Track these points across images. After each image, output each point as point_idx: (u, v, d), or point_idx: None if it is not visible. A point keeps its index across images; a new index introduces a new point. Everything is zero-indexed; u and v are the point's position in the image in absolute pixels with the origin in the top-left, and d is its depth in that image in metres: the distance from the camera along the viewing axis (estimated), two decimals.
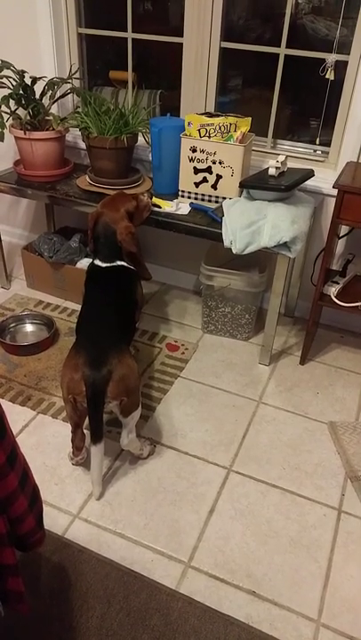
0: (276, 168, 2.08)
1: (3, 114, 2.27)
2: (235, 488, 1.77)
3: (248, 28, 2.33)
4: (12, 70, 2.32)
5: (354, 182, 1.92)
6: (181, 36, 2.33)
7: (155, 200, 2.23)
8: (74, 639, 1.34)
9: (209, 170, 2.20)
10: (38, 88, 2.39)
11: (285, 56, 2.23)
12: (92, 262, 1.92)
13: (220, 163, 2.16)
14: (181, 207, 2.25)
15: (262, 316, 2.48)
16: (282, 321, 2.64)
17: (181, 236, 2.27)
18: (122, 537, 1.60)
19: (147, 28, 2.43)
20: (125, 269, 1.91)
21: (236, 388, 2.20)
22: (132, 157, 2.41)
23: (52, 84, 2.41)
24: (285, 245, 2.00)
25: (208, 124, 2.17)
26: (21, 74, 2.34)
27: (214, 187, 2.23)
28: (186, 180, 2.26)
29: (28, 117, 2.36)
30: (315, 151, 2.40)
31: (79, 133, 2.42)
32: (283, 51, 2.22)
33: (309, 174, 2.10)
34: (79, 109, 2.42)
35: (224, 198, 2.23)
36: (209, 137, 2.19)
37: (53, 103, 2.46)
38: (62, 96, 2.49)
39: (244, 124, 2.18)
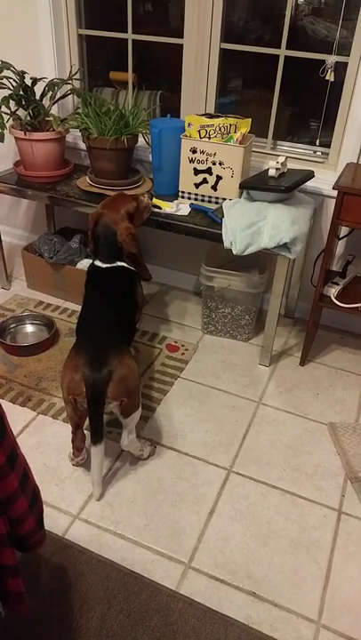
0: (277, 169, 2.08)
1: (3, 114, 2.28)
2: (235, 489, 1.77)
3: (248, 29, 2.34)
4: (12, 71, 2.32)
5: (354, 183, 1.93)
6: (181, 37, 2.33)
7: (155, 201, 2.24)
8: None
9: (209, 171, 2.20)
10: (38, 89, 2.39)
11: (285, 57, 2.24)
12: (93, 263, 1.92)
13: (220, 164, 2.16)
14: (181, 208, 2.26)
15: (262, 316, 2.48)
16: (282, 322, 2.64)
17: (181, 237, 2.27)
18: (122, 538, 1.60)
19: (147, 29, 2.43)
20: (126, 270, 1.91)
21: (237, 389, 2.20)
22: (133, 158, 2.41)
23: (52, 85, 2.41)
24: (285, 246, 2.00)
25: (208, 125, 2.18)
26: (22, 75, 2.34)
27: (214, 188, 2.23)
28: (186, 180, 2.26)
29: (29, 118, 2.36)
30: (315, 152, 2.40)
31: (79, 134, 2.42)
32: (283, 52, 2.23)
33: (309, 175, 2.10)
34: (79, 110, 2.43)
35: (224, 199, 2.23)
36: (209, 138, 2.19)
37: (54, 104, 2.46)
38: (62, 97, 2.49)
39: (245, 125, 2.19)
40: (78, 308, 2.24)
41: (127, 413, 1.63)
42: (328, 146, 2.32)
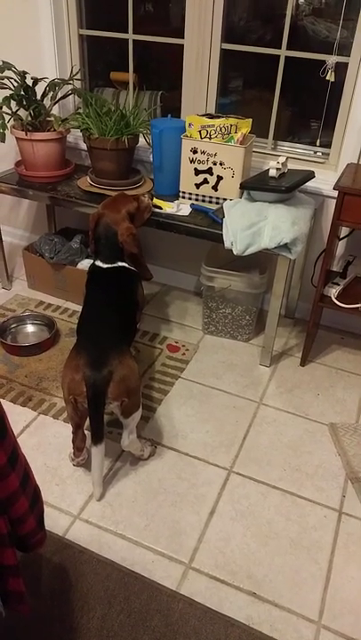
0: (277, 169, 2.08)
1: (4, 115, 2.28)
2: (235, 489, 1.77)
3: (249, 29, 2.34)
4: (13, 71, 2.32)
5: (354, 184, 1.93)
6: (182, 37, 2.33)
7: (155, 201, 2.24)
8: None
9: (210, 171, 2.20)
10: (39, 89, 2.39)
11: (286, 57, 2.24)
12: (93, 263, 1.92)
13: (220, 164, 2.16)
14: (182, 208, 2.26)
15: (263, 317, 2.48)
16: (282, 322, 2.64)
17: (182, 238, 2.27)
18: (122, 538, 1.60)
19: (148, 30, 2.43)
20: (126, 270, 1.91)
21: (237, 390, 2.20)
22: (133, 158, 2.41)
23: (53, 85, 2.41)
24: (286, 247, 2.00)
25: (209, 126, 2.18)
26: (23, 75, 2.34)
27: (215, 188, 2.23)
28: (187, 181, 2.26)
29: (30, 118, 2.36)
30: (315, 152, 2.40)
31: (80, 134, 2.42)
32: (283, 52, 2.23)
33: (310, 176, 2.11)
34: (80, 110, 2.43)
35: (225, 199, 2.23)
36: (210, 138, 2.19)
37: (54, 104, 2.46)
38: (63, 97, 2.49)
39: (245, 126, 2.19)
40: (79, 308, 2.24)
41: (128, 413, 1.64)
42: (328, 146, 2.32)
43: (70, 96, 2.52)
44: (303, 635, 1.39)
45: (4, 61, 2.30)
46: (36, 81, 2.37)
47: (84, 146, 2.57)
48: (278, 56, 2.24)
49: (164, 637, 1.35)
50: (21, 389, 2.13)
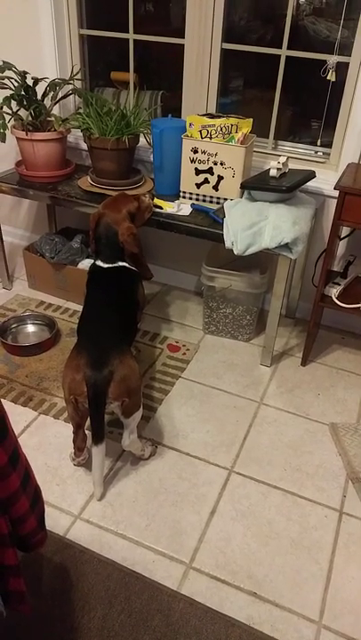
0: (278, 169, 2.08)
1: (4, 115, 2.28)
2: (236, 489, 1.77)
3: (249, 29, 2.34)
4: (13, 71, 2.32)
5: (355, 184, 1.93)
6: (183, 37, 2.33)
7: (156, 201, 2.24)
8: None
9: (210, 171, 2.20)
10: (40, 89, 2.39)
11: (287, 57, 2.24)
12: (94, 263, 1.92)
13: (221, 164, 2.16)
14: (183, 208, 2.26)
15: (263, 317, 2.48)
16: (283, 322, 2.64)
17: (183, 237, 2.27)
18: (123, 538, 1.60)
19: (148, 30, 2.43)
20: (127, 270, 1.91)
21: (238, 389, 2.20)
22: (134, 158, 2.41)
23: (53, 85, 2.41)
24: (287, 246, 2.00)
25: (209, 125, 2.17)
26: (23, 75, 2.34)
27: (215, 188, 2.23)
28: (187, 181, 2.26)
29: (30, 118, 2.36)
30: (316, 152, 2.40)
31: (81, 134, 2.42)
32: (284, 52, 2.23)
33: (311, 175, 2.10)
34: (81, 110, 2.43)
35: (225, 199, 2.23)
36: (210, 138, 2.19)
37: (55, 104, 2.46)
38: (64, 97, 2.49)
39: (246, 125, 2.19)
40: (79, 308, 2.24)
41: (128, 413, 1.64)
42: (329, 146, 2.32)
43: (71, 96, 2.52)
44: (304, 635, 1.39)
45: (4, 61, 2.30)
46: (36, 81, 2.38)
47: (84, 146, 2.57)
48: (279, 56, 2.24)
49: (164, 637, 1.35)
50: (22, 389, 2.13)
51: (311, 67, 2.19)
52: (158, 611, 1.41)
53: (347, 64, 2.13)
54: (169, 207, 2.23)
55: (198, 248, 2.61)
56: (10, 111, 2.35)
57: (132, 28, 2.44)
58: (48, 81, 2.43)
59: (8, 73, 2.31)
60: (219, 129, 2.17)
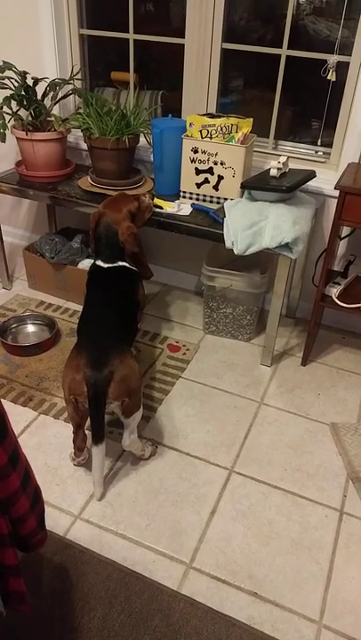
0: (278, 169, 2.08)
1: (4, 115, 2.28)
2: (236, 489, 1.77)
3: (249, 29, 2.34)
4: (13, 71, 2.32)
5: (355, 183, 1.92)
6: (183, 37, 2.33)
7: (156, 201, 2.24)
8: None
9: (210, 171, 2.20)
10: (40, 89, 2.39)
11: (287, 57, 2.23)
12: (94, 263, 1.92)
13: (221, 164, 2.16)
14: (183, 208, 2.26)
15: (264, 316, 2.48)
16: (283, 322, 2.64)
17: (183, 237, 2.27)
18: (123, 538, 1.60)
19: (148, 29, 2.43)
20: (127, 270, 1.91)
21: (238, 389, 2.20)
22: (134, 158, 2.41)
23: (53, 85, 2.41)
24: (287, 246, 2.00)
25: (210, 125, 2.17)
26: (23, 75, 2.34)
27: (216, 188, 2.23)
28: (187, 180, 2.26)
29: (30, 118, 2.36)
30: (316, 152, 2.40)
31: (81, 134, 2.42)
32: (284, 52, 2.22)
33: (311, 175, 2.10)
34: (81, 110, 2.43)
35: (226, 199, 2.23)
36: (210, 138, 2.19)
37: (55, 104, 2.46)
38: (64, 97, 2.49)
39: (246, 125, 2.18)
40: (79, 307, 2.24)
41: (128, 413, 1.63)
42: (330, 146, 2.32)
43: (71, 96, 2.52)
44: (304, 635, 1.39)
45: (4, 61, 2.30)
46: (36, 81, 2.38)
47: (84, 146, 2.57)
48: (279, 55, 2.24)
49: (165, 637, 1.35)
50: (22, 389, 2.13)
51: (311, 66, 2.19)
52: (158, 611, 1.41)
53: (347, 64, 2.13)
54: (169, 207, 2.23)
55: (198, 248, 2.61)
56: (10, 111, 2.35)
57: (133, 28, 2.44)
58: (48, 81, 2.43)
59: (8, 73, 2.31)
60: (219, 129, 2.17)
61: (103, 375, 1.52)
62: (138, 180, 2.38)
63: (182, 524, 1.65)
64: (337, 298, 2.16)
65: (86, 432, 1.73)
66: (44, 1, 2.43)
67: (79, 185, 2.42)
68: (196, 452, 1.90)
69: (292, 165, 2.29)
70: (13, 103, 2.34)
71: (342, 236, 2.34)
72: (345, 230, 2.33)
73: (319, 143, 2.37)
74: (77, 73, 2.53)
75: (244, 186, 2.14)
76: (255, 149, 2.38)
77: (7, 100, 2.29)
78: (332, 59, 2.14)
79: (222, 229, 2.08)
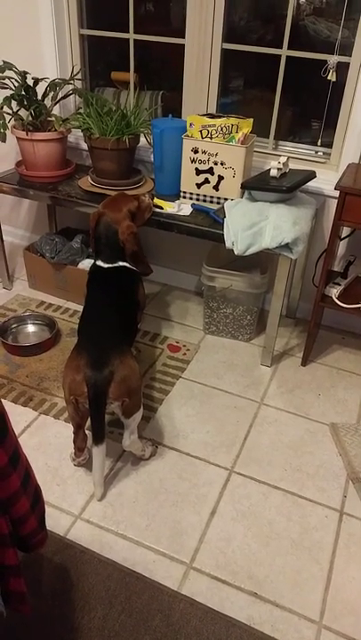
0: (278, 169, 2.08)
1: (5, 115, 2.28)
2: (236, 489, 1.77)
3: (250, 29, 2.34)
4: (14, 71, 2.32)
5: (355, 184, 1.92)
6: (183, 37, 2.33)
7: (156, 201, 2.24)
8: None
9: (211, 171, 2.20)
10: (40, 89, 2.39)
11: (287, 57, 2.23)
12: (94, 263, 1.92)
13: (221, 164, 2.16)
14: (183, 208, 2.26)
15: (264, 317, 2.48)
16: (283, 322, 2.64)
17: (183, 237, 2.27)
18: (124, 538, 1.60)
19: (148, 29, 2.43)
20: (127, 270, 1.91)
21: (238, 390, 2.20)
22: (134, 158, 2.41)
23: (53, 85, 2.41)
24: (287, 246, 2.00)
25: (210, 125, 2.17)
26: (23, 75, 2.34)
27: (216, 188, 2.23)
28: (187, 181, 2.26)
29: (30, 118, 2.36)
30: (316, 152, 2.40)
31: (81, 134, 2.42)
32: (284, 52, 2.23)
33: (311, 175, 2.10)
34: (81, 110, 2.43)
35: (226, 199, 2.23)
36: (211, 138, 2.19)
37: (55, 104, 2.46)
38: (64, 97, 2.49)
39: (246, 126, 2.18)
40: (80, 308, 2.24)
41: (129, 414, 1.63)
42: (330, 146, 2.32)
43: (71, 96, 2.52)
44: (304, 635, 1.39)
45: (4, 61, 2.30)
46: (36, 81, 2.38)
47: (84, 146, 2.57)
48: (279, 56, 2.24)
49: (165, 637, 1.35)
50: (22, 389, 2.13)
51: (312, 67, 2.19)
52: (159, 611, 1.41)
53: (347, 64, 2.13)
54: (169, 207, 2.23)
55: (199, 248, 2.61)
56: (10, 111, 2.35)
57: (133, 28, 2.44)
58: (48, 81, 2.43)
59: (8, 73, 2.31)
60: (219, 129, 2.17)
61: (103, 375, 1.52)
62: (138, 181, 2.38)
63: (182, 524, 1.65)
64: (337, 298, 2.16)
65: (86, 432, 1.73)
66: (44, 1, 2.43)
67: (79, 185, 2.42)
68: (196, 452, 1.90)
69: (293, 166, 2.29)
70: (14, 103, 2.34)
71: (342, 236, 2.35)
72: (345, 231, 2.33)
73: (319, 143, 2.37)
74: (77, 73, 2.53)
75: (244, 186, 2.14)
76: (255, 150, 2.38)
77: (7, 99, 2.29)
78: (333, 59, 2.14)
79: (222, 229, 2.08)
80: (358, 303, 2.12)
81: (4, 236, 2.66)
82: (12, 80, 2.33)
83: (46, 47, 2.54)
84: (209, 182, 2.23)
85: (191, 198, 2.30)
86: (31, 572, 1.48)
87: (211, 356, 2.40)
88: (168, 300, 2.79)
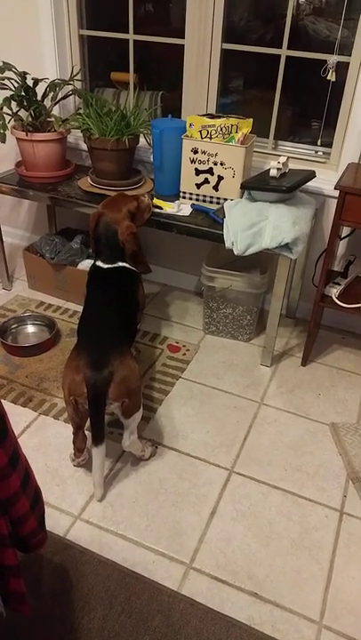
0: (278, 169, 2.08)
1: (4, 115, 2.28)
2: (236, 489, 1.77)
3: (249, 29, 2.34)
4: (13, 72, 2.32)
5: (355, 183, 1.92)
6: (183, 37, 2.33)
7: (156, 201, 2.24)
8: None
9: (210, 171, 2.20)
10: (40, 89, 2.39)
11: (287, 57, 2.23)
12: (94, 264, 1.92)
13: (221, 164, 2.16)
14: (183, 208, 2.26)
15: (264, 317, 2.48)
16: (283, 322, 2.64)
17: (183, 238, 2.27)
18: (123, 538, 1.60)
19: (148, 30, 2.43)
20: (127, 270, 1.91)
21: (238, 390, 2.20)
22: (134, 159, 2.41)
23: (53, 86, 2.41)
24: (287, 246, 2.00)
25: (209, 126, 2.17)
26: (23, 75, 2.34)
27: (216, 188, 2.23)
28: (187, 181, 2.26)
29: (30, 119, 2.36)
30: (316, 152, 2.40)
31: (81, 135, 2.42)
32: (284, 52, 2.23)
33: (311, 175, 2.10)
34: (81, 111, 2.43)
35: (225, 199, 2.23)
36: (210, 138, 2.19)
37: (55, 105, 2.46)
38: (64, 97, 2.49)
39: (246, 126, 2.18)
40: (79, 308, 2.24)
41: (128, 414, 1.63)
42: (330, 146, 2.32)
43: (71, 96, 2.52)
44: (305, 635, 1.39)
45: (4, 62, 2.30)
46: (36, 81, 2.38)
47: (84, 146, 2.58)
48: (279, 56, 2.24)
49: (165, 638, 1.35)
50: (22, 390, 2.13)
51: (311, 67, 2.19)
52: (159, 611, 1.41)
53: (347, 64, 2.13)
54: (169, 207, 2.23)
55: (198, 248, 2.61)
56: (10, 112, 2.35)
57: (132, 29, 2.44)
58: (48, 81, 2.43)
59: (8, 73, 2.31)
60: (219, 129, 2.17)
61: (103, 376, 1.52)
62: (138, 181, 2.38)
63: (182, 524, 1.65)
64: (337, 298, 2.16)
65: (86, 433, 1.73)
66: (44, 1, 2.43)
67: (79, 185, 2.42)
68: (195, 452, 1.90)
69: (292, 166, 2.29)
70: (13, 104, 2.34)
71: (342, 236, 2.34)
72: (345, 230, 2.33)
73: (319, 143, 2.37)
74: (77, 73, 2.53)
75: (243, 186, 2.14)
76: (255, 150, 2.38)
77: (7, 100, 2.29)
78: (332, 59, 2.14)
79: (222, 230, 2.08)
80: (358, 303, 2.12)
81: (3, 237, 2.66)
82: (12, 81, 2.33)
83: (46, 48, 2.54)
84: (209, 182, 2.23)
85: (191, 198, 2.30)
86: (31, 573, 1.48)
87: (210, 356, 2.40)
88: (168, 301, 2.79)
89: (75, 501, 1.70)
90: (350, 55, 2.10)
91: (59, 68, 2.58)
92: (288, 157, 2.16)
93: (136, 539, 1.60)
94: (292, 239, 1.97)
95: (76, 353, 1.61)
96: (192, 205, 2.27)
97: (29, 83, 2.35)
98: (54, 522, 1.63)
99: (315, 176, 2.12)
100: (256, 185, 2.10)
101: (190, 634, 1.36)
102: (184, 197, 2.30)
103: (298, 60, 2.22)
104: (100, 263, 1.90)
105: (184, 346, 2.44)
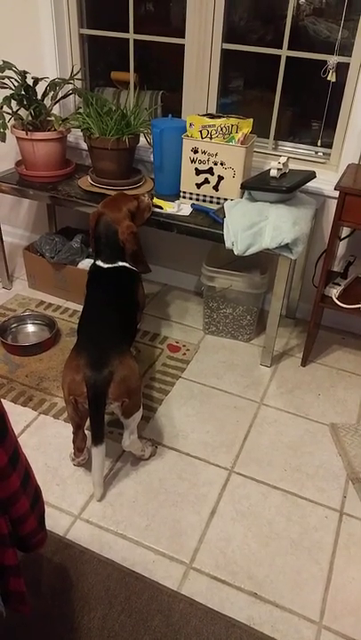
0: (278, 169, 2.08)
1: (4, 114, 2.28)
2: (236, 489, 1.77)
3: (250, 29, 2.34)
4: (13, 71, 2.32)
5: (355, 184, 1.93)
6: (183, 37, 2.33)
7: (156, 201, 2.24)
8: None
9: (210, 171, 2.20)
10: (40, 89, 2.39)
11: (287, 57, 2.24)
12: (94, 263, 1.92)
13: (221, 164, 2.16)
14: (183, 208, 2.26)
15: (264, 317, 2.48)
16: (283, 322, 2.64)
17: (183, 237, 2.27)
18: (123, 538, 1.60)
19: (148, 29, 2.43)
20: (127, 270, 1.91)
21: (238, 390, 2.20)
22: (134, 158, 2.41)
23: (53, 85, 2.41)
24: (287, 247, 2.00)
25: (210, 126, 2.17)
26: (23, 74, 2.34)
27: (216, 188, 2.23)
28: (187, 181, 2.26)
29: (30, 118, 2.36)
30: (316, 153, 2.40)
31: (81, 134, 2.42)
32: (284, 52, 2.23)
33: (311, 176, 2.10)
34: (81, 110, 2.43)
35: (225, 199, 2.23)
36: (210, 138, 2.19)
37: (55, 104, 2.46)
38: (64, 97, 2.49)
39: (246, 126, 2.18)
40: (79, 307, 2.24)
41: (128, 414, 1.63)
42: (330, 146, 2.32)
43: (71, 96, 2.52)
44: (304, 635, 1.39)
45: (4, 61, 2.30)
46: (36, 80, 2.37)
47: (84, 145, 2.57)
48: (279, 56, 2.24)
49: (165, 638, 1.35)
50: (22, 389, 2.13)
51: (311, 67, 2.19)
52: (158, 611, 1.41)
53: (347, 64, 2.13)
54: (169, 207, 2.23)
55: (198, 248, 2.61)
56: (10, 111, 2.34)
57: (133, 28, 2.44)
58: (48, 81, 2.43)
59: (8, 72, 2.31)
60: (219, 129, 2.17)
61: (103, 376, 1.52)
62: (138, 180, 2.38)
63: (182, 524, 1.65)
64: (337, 298, 2.16)
65: (86, 432, 1.73)
66: (44, 1, 2.43)
67: (79, 185, 2.42)
68: (195, 452, 1.90)
69: (292, 166, 2.29)
70: (13, 103, 2.34)
71: (342, 236, 2.35)
72: (345, 231, 2.33)
73: (319, 144, 2.37)
74: (77, 73, 2.53)
75: (244, 186, 2.14)
76: (255, 150, 2.38)
77: (7, 99, 2.29)
78: (332, 59, 2.14)
79: (222, 230, 2.08)
80: (358, 303, 2.12)
81: (3, 236, 2.66)
82: (12, 80, 2.33)
83: (46, 47, 2.54)
84: (209, 182, 2.23)
85: (191, 198, 2.30)
86: (31, 572, 1.48)
87: (210, 356, 2.40)
88: (168, 300, 2.79)
89: (75, 501, 1.70)
90: (350, 56, 2.10)
91: (59, 67, 2.58)
92: (288, 158, 2.16)
93: (136, 538, 1.60)
94: (292, 239, 1.97)
95: (75, 352, 1.61)
96: (192, 205, 2.27)
97: (29, 82, 2.35)
98: (54, 521, 1.63)
99: (315, 176, 2.12)
100: (256, 185, 2.10)
101: (190, 634, 1.36)
102: (184, 197, 2.30)
103: (298, 60, 2.22)
104: (100, 263, 1.90)
105: (184, 346, 2.44)
